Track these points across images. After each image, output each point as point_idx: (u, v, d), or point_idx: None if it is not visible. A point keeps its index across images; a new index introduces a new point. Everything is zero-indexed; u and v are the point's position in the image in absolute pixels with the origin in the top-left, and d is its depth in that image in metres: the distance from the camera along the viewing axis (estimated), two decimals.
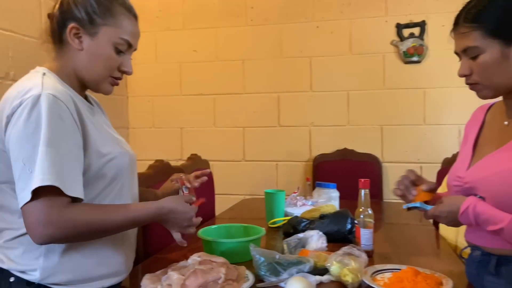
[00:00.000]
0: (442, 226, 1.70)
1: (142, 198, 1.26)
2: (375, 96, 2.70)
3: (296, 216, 1.70)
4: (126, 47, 1.09)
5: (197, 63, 2.92)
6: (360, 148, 2.70)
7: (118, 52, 1.08)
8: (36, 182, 0.89)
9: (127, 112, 3.04)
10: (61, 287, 1.00)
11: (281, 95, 2.83)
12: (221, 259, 1.19)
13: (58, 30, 1.06)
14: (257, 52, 2.85)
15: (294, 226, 1.62)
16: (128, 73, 1.12)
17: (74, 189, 0.94)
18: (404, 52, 2.63)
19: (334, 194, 1.97)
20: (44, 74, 1.03)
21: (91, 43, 1.06)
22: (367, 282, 1.12)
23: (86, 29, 1.05)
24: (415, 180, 1.12)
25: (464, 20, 1.02)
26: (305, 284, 1.04)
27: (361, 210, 1.42)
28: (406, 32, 2.64)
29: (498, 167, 0.98)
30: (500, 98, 1.11)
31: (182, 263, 1.20)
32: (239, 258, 1.30)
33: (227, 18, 2.87)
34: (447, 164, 2.23)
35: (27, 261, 0.99)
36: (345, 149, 2.73)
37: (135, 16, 1.12)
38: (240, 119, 2.89)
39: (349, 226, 1.57)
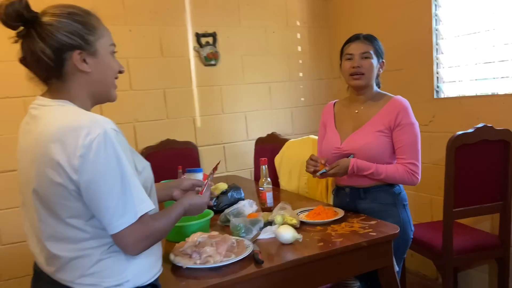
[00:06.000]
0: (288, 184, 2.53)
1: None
2: (186, 93, 3.23)
3: None
4: (114, 48, 1.19)
5: None
6: (180, 138, 3.20)
7: (112, 56, 1.18)
8: (141, 210, 1.06)
9: None
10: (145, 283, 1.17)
11: None
12: (216, 233, 1.59)
13: (55, 66, 1.08)
14: None
15: None
16: (123, 71, 1.21)
17: (150, 205, 1.11)
18: (205, 57, 3.27)
19: (201, 176, 2.46)
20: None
21: (96, 60, 1.12)
22: (302, 220, 1.78)
23: (87, 51, 1.11)
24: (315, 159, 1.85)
25: (364, 38, 1.83)
26: (288, 227, 1.61)
27: (263, 180, 2.05)
28: (204, 40, 3.28)
29: (362, 141, 1.82)
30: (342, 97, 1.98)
31: (190, 243, 1.51)
32: (205, 231, 1.69)
33: None
34: (261, 142, 3.09)
35: (117, 276, 1.10)
36: (167, 140, 3.16)
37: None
38: None
39: (243, 194, 2.16)
